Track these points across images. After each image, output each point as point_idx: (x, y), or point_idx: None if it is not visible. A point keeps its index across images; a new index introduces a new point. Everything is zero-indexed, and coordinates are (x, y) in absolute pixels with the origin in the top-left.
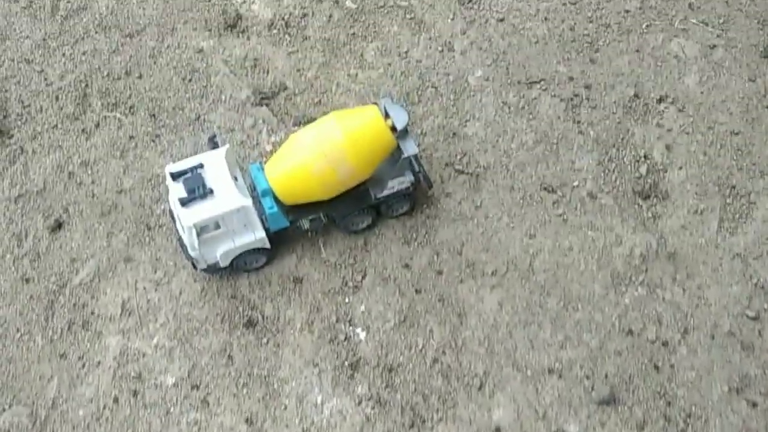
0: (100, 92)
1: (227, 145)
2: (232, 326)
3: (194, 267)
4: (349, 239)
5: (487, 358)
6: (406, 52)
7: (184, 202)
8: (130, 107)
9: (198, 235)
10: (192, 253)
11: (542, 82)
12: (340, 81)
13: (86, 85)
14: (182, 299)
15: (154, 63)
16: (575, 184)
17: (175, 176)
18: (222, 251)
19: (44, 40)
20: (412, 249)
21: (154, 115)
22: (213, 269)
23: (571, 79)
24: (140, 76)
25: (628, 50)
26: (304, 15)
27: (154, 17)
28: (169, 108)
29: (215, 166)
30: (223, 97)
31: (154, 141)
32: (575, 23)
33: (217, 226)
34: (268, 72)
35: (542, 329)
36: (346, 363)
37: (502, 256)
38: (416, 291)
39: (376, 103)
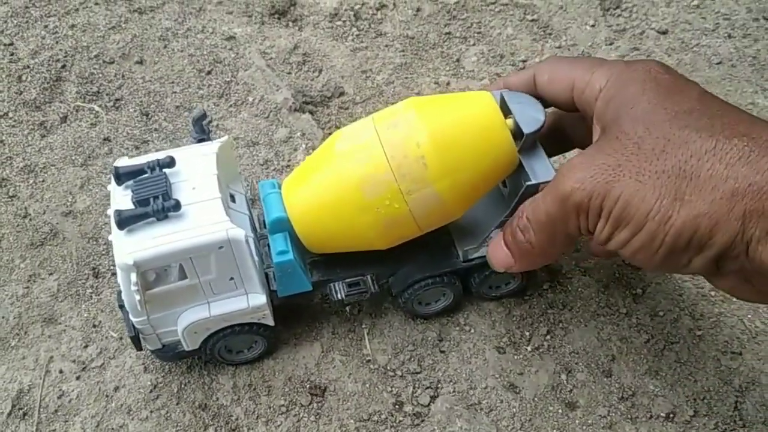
0: (80, 77)
1: (226, 137)
2: None
3: (136, 347)
4: (413, 328)
5: None
6: (524, 61)
7: (122, 221)
8: (116, 100)
9: (142, 286)
10: (134, 320)
11: None
12: (423, 90)
13: (63, 66)
14: (115, 401)
15: (164, 47)
16: None
17: (122, 176)
18: (187, 323)
19: (26, 7)
20: (524, 359)
21: (147, 114)
22: (171, 355)
23: None
24: (141, 62)
25: None
26: (382, 6)
27: None
28: (170, 106)
29: (196, 169)
30: (251, 99)
31: (138, 148)
32: None
33: (182, 275)
34: (320, 71)
35: None
36: None
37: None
38: None
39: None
